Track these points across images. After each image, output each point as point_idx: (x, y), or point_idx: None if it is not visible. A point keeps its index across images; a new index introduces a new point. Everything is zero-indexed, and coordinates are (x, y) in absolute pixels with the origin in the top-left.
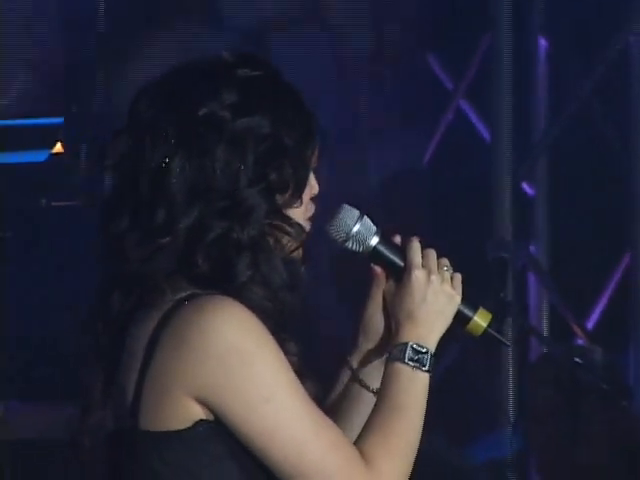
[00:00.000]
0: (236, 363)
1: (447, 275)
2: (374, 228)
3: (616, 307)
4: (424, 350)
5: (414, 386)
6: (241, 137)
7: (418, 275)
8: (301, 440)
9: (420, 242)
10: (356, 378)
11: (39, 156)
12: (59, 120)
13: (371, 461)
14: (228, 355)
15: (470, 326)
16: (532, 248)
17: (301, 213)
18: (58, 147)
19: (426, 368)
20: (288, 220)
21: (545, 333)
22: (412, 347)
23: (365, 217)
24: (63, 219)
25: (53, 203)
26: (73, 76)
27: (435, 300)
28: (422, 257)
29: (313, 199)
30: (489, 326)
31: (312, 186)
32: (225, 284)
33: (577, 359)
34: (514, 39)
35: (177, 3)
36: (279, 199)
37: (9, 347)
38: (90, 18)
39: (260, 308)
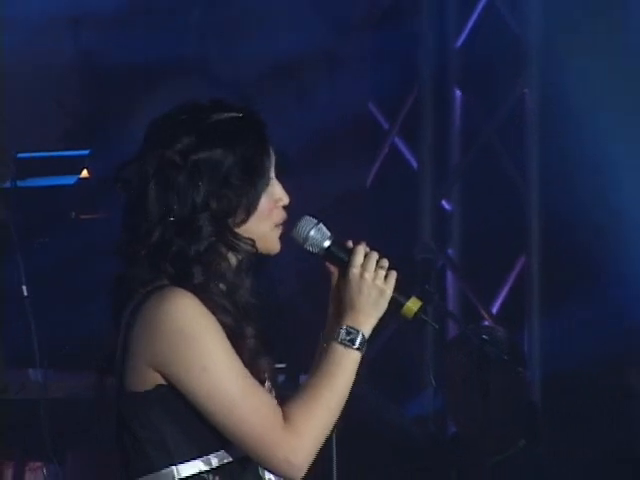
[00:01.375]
0: (181, 341)
1: (381, 273)
2: (328, 234)
3: (514, 296)
4: (356, 332)
5: (343, 361)
6: (193, 174)
7: (355, 272)
8: (230, 403)
9: (369, 246)
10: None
11: (70, 180)
12: (86, 152)
13: (292, 423)
14: (175, 334)
15: (404, 311)
16: (449, 251)
17: (257, 226)
18: (85, 173)
19: (356, 347)
20: (235, 236)
21: (459, 316)
22: (346, 329)
23: (321, 225)
24: (89, 229)
25: (81, 216)
26: (99, 115)
27: (369, 293)
28: (364, 258)
29: (285, 207)
30: (419, 311)
31: (277, 200)
32: (187, 285)
33: (484, 336)
34: (435, 90)
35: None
36: (230, 221)
37: (52, 331)
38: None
39: (216, 304)
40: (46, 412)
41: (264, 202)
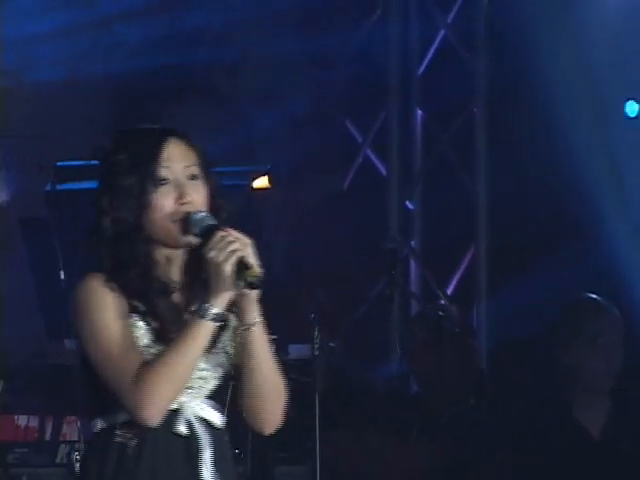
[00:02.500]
0: (77, 313)
1: (224, 253)
2: (212, 222)
3: (465, 280)
4: (207, 307)
5: (194, 330)
6: (99, 194)
7: (204, 253)
8: (104, 365)
9: (232, 231)
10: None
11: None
12: None
13: (140, 380)
14: (75, 308)
15: (243, 281)
16: (412, 243)
17: (155, 222)
18: None
19: (206, 319)
20: (128, 237)
21: (420, 297)
22: (200, 304)
23: (208, 216)
24: None
25: None
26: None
27: (213, 271)
28: (217, 240)
29: (183, 204)
30: (253, 282)
31: (175, 198)
32: (102, 270)
33: (440, 313)
34: (401, 110)
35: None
36: (128, 218)
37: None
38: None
39: (125, 287)
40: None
41: (157, 200)
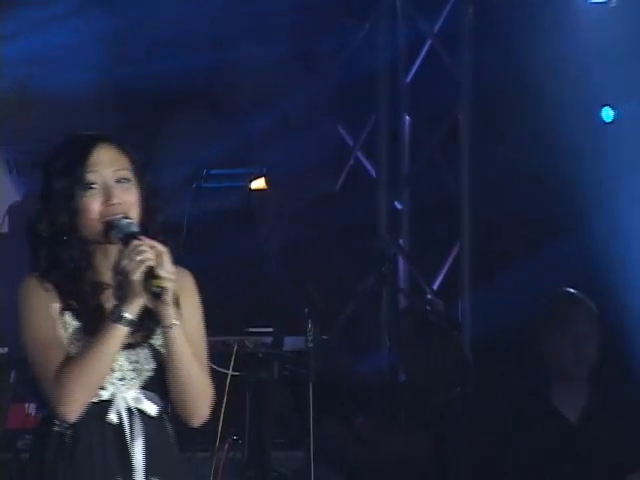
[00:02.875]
0: (17, 314)
1: (135, 262)
2: (134, 230)
3: (450, 276)
4: (119, 312)
5: (107, 333)
6: (38, 198)
7: (118, 262)
8: (32, 362)
9: (149, 240)
10: None
11: None
12: None
13: (58, 381)
14: (17, 307)
15: (148, 290)
16: (400, 241)
17: (84, 222)
18: None
19: (117, 323)
20: (62, 239)
21: (408, 292)
22: (114, 309)
23: (131, 222)
24: None
25: None
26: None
27: (124, 277)
28: (130, 250)
29: (110, 206)
30: (157, 290)
31: (103, 200)
32: (37, 271)
33: (427, 307)
34: (390, 116)
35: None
36: (63, 221)
37: None
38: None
39: (58, 287)
40: None
41: (85, 204)
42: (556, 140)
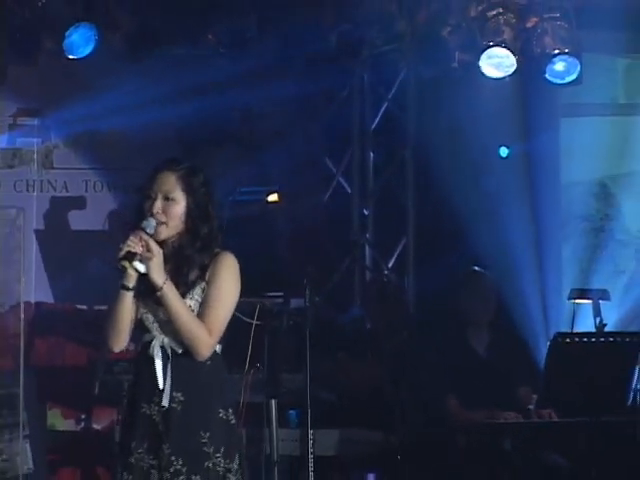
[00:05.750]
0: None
1: (125, 248)
2: (152, 228)
3: (401, 258)
4: (120, 280)
5: (116, 295)
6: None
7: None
8: None
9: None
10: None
11: None
12: None
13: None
14: None
15: (117, 265)
16: (367, 235)
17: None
18: None
19: (121, 288)
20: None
21: (372, 269)
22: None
23: (153, 222)
24: None
25: None
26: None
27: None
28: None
29: (151, 213)
30: (129, 268)
31: (144, 213)
32: None
33: (385, 279)
34: (360, 152)
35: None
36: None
37: None
38: None
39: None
40: None
41: (143, 207)
42: (470, 168)
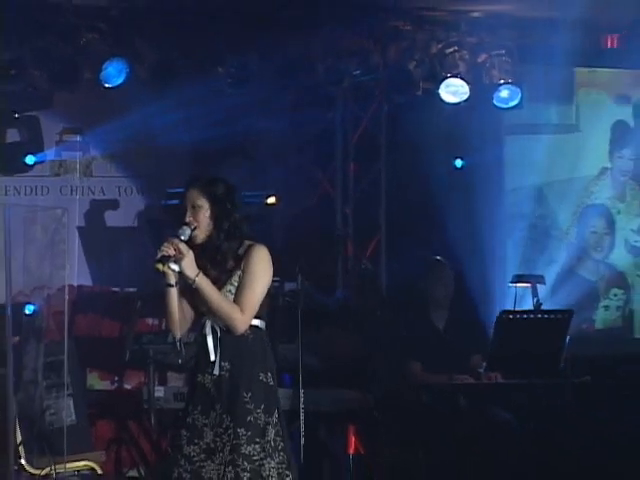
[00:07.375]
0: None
1: (159, 253)
2: (186, 236)
3: (376, 250)
4: (163, 279)
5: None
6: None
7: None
8: None
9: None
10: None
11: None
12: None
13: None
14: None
15: (154, 267)
16: (349, 231)
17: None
18: None
19: (165, 286)
20: None
21: (352, 258)
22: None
23: (188, 230)
24: None
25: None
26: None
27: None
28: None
29: (184, 222)
30: (163, 269)
31: (184, 221)
32: None
33: (363, 266)
34: (343, 161)
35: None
36: None
37: None
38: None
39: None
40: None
41: (181, 217)
42: (431, 176)
